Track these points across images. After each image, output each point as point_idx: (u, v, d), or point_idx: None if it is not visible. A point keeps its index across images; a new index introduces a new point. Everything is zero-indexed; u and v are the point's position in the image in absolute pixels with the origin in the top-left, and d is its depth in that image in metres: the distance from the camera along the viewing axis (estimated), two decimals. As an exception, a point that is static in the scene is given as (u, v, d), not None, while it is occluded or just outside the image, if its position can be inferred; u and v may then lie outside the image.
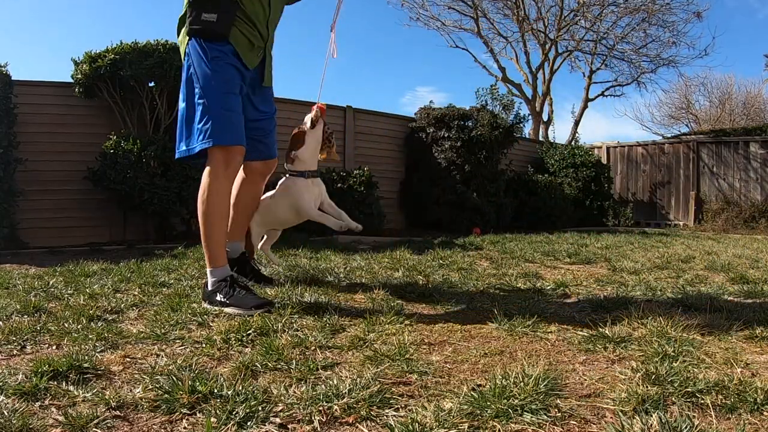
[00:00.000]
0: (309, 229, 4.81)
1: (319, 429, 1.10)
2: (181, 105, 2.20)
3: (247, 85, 2.28)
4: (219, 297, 2.13)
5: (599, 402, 1.24)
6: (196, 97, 2.13)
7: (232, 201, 2.47)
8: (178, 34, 2.27)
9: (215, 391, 1.25)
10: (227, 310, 2.08)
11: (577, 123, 14.78)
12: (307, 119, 2.55)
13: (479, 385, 1.32)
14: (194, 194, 4.74)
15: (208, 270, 2.24)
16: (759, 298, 2.47)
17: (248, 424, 1.11)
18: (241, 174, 2.51)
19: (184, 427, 1.13)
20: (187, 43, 2.19)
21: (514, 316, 2.01)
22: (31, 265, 3.54)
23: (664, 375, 1.33)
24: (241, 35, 2.15)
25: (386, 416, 1.15)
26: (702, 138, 10.70)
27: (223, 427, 1.09)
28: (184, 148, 2.19)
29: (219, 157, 2.15)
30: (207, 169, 2.18)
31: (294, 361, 1.51)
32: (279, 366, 1.47)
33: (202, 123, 2.09)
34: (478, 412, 1.15)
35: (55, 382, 1.32)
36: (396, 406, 1.20)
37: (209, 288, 2.20)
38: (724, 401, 1.21)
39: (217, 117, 2.09)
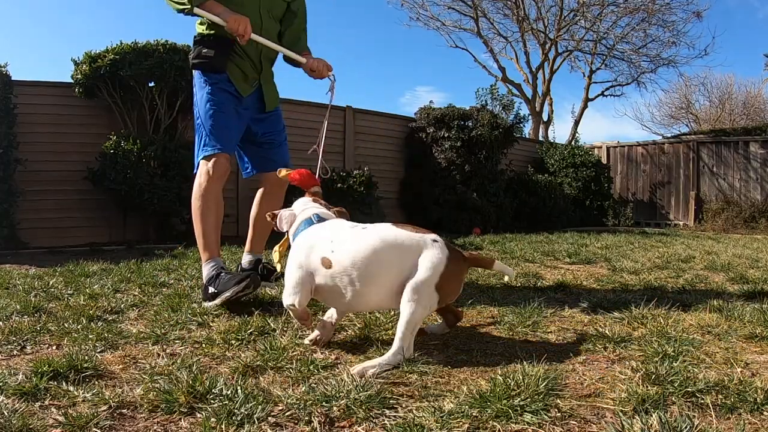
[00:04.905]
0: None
1: (318, 429, 1.10)
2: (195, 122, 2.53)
3: (250, 110, 2.54)
4: (211, 289, 2.22)
5: (599, 402, 1.24)
6: (197, 117, 2.44)
7: (252, 217, 2.75)
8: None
9: (215, 391, 1.25)
10: (217, 301, 2.15)
11: (577, 123, 14.77)
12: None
13: (479, 386, 1.32)
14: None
15: (202, 263, 2.36)
16: (759, 298, 2.47)
17: (247, 424, 1.11)
18: (261, 190, 2.73)
19: (184, 427, 1.13)
20: (193, 73, 2.48)
21: (514, 316, 2.01)
22: (31, 265, 3.54)
23: (664, 375, 1.33)
24: (235, 67, 2.43)
25: (386, 417, 1.15)
26: (702, 138, 10.68)
27: (222, 427, 1.09)
28: (196, 162, 2.47)
29: (209, 162, 2.38)
30: (198, 172, 2.41)
31: (294, 361, 1.51)
32: (279, 366, 1.47)
33: (200, 138, 2.43)
34: (479, 412, 1.15)
35: (55, 382, 1.32)
36: (396, 407, 1.20)
37: (204, 280, 2.30)
38: (724, 401, 1.21)
39: (208, 132, 2.39)
